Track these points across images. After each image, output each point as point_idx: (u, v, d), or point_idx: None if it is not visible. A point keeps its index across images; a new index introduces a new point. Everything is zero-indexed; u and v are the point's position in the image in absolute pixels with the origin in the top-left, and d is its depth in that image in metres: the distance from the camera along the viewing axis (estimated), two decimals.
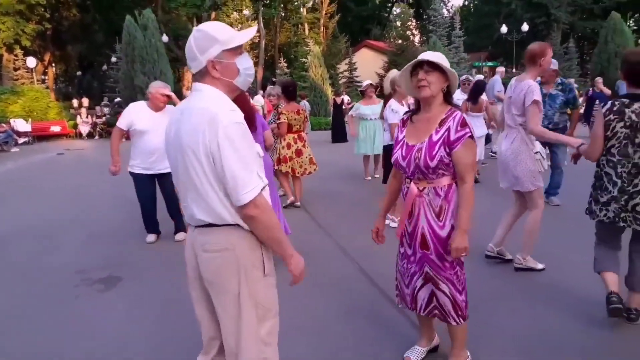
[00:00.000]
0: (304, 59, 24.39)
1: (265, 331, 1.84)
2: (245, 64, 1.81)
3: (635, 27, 29.91)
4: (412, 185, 2.39)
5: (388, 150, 5.18)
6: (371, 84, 8.10)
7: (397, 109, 5.02)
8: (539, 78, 4.79)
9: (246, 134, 1.69)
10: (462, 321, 2.43)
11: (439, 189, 2.34)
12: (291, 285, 1.87)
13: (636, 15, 35.53)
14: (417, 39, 36.97)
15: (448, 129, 2.28)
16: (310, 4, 37.76)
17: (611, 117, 2.79)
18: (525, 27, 24.62)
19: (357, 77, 29.41)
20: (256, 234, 1.76)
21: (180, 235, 4.99)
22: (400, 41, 31.93)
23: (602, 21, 28.57)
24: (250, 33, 1.85)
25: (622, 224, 2.84)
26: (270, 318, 1.86)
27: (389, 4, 47.63)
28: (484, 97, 7.56)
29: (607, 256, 3.05)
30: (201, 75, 1.76)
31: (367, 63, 30.18)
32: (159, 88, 4.69)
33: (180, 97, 29.43)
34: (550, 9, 26.25)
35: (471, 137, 2.26)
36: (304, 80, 23.21)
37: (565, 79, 6.24)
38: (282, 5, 34.93)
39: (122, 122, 4.71)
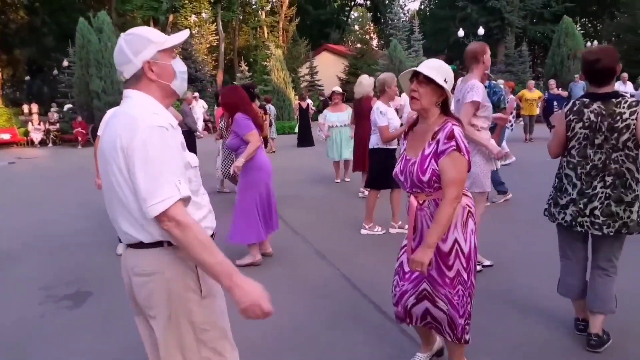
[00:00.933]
0: (264, 63, 24.20)
1: (208, 352, 1.70)
2: (181, 67, 1.73)
3: (582, 31, 31.27)
4: (411, 199, 2.32)
5: (373, 154, 5.13)
6: (335, 91, 8.10)
7: (385, 111, 4.90)
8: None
9: (168, 139, 1.56)
10: (457, 343, 2.33)
11: (440, 201, 2.23)
12: (242, 318, 1.58)
13: (582, 20, 37.25)
14: (375, 42, 37.45)
15: (438, 142, 2.22)
16: (268, 7, 37.58)
17: (571, 117, 2.68)
18: (481, 31, 25.26)
19: (318, 80, 29.44)
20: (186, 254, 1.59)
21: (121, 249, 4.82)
22: (359, 45, 32.18)
23: (552, 25, 29.83)
24: (183, 35, 1.74)
25: (579, 228, 2.68)
26: (215, 339, 1.72)
27: (347, 8, 48.03)
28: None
29: (571, 278, 2.87)
30: (136, 80, 1.66)
31: (328, 67, 30.25)
32: None
33: None
34: (503, 13, 27.14)
35: (458, 150, 2.16)
36: (266, 84, 23.04)
37: (494, 81, 6.42)
38: (240, 8, 34.62)
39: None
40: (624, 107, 2.55)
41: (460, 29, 25.92)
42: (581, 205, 2.65)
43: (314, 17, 41.47)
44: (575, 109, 2.68)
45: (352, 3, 48.25)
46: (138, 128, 1.53)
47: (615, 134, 2.55)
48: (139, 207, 1.54)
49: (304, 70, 30.01)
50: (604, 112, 2.58)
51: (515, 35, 28.32)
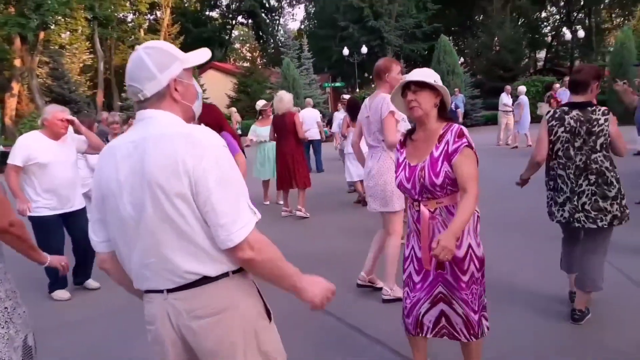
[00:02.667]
0: None
1: None
2: (198, 87, 1.58)
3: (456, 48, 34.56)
4: (423, 209, 2.28)
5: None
6: (265, 104, 7.87)
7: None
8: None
9: (232, 159, 1.46)
10: (474, 339, 2.35)
11: (452, 207, 2.26)
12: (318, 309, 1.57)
13: (449, 38, 41.06)
14: (258, 60, 37.58)
15: (447, 143, 2.25)
16: (146, 25, 35.94)
17: (553, 122, 3.02)
18: (364, 49, 26.66)
19: (206, 98, 28.69)
20: (259, 276, 1.48)
21: (94, 283, 4.45)
22: (245, 63, 32.01)
23: (423, 43, 32.46)
24: (204, 54, 1.55)
25: (576, 224, 2.99)
26: None
27: (229, 27, 47.73)
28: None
29: (570, 257, 3.31)
30: (158, 99, 1.45)
31: (216, 85, 29.62)
32: (56, 112, 4.01)
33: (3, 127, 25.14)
34: (383, 32, 28.91)
35: (469, 146, 2.22)
36: None
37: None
38: (117, 25, 32.63)
39: (16, 158, 3.90)
40: (598, 114, 2.93)
41: (345, 48, 27.11)
42: (575, 203, 3.00)
43: (195, 35, 40.52)
44: (557, 115, 3.04)
45: (234, 22, 48.07)
46: (205, 147, 1.36)
47: (593, 137, 2.93)
48: (208, 236, 1.37)
49: None
50: (582, 119, 2.95)
51: (394, 53, 30.27)
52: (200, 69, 32.77)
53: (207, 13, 46.22)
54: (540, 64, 38.93)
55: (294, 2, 48.05)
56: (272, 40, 45.50)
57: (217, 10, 47.02)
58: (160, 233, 1.37)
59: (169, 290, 1.42)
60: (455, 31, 40.87)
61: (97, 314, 3.90)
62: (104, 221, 1.49)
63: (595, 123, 2.92)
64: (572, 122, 2.95)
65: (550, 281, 3.70)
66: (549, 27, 39.71)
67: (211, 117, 4.03)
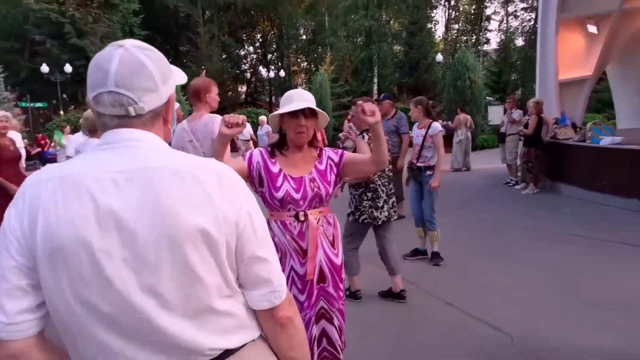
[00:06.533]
0: None
1: None
2: None
3: None
4: (312, 219, 2.31)
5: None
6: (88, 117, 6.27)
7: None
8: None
9: None
10: (343, 349, 2.46)
11: (329, 217, 2.44)
12: None
13: None
14: None
15: (329, 157, 2.44)
16: None
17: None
18: (68, 68, 23.90)
19: None
20: (280, 354, 1.22)
21: None
22: None
23: None
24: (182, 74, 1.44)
25: (392, 219, 4.16)
26: None
27: None
28: None
29: (355, 260, 4.16)
30: (152, 117, 1.12)
31: None
32: None
33: None
34: (88, 52, 26.48)
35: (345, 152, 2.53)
36: None
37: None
38: None
39: None
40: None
41: (45, 65, 23.80)
42: (390, 204, 4.16)
43: None
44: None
45: None
46: (240, 187, 1.14)
47: None
48: (240, 297, 1.14)
49: None
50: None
51: None
52: None
53: None
54: (242, 97, 42.46)
55: None
56: None
57: None
58: (177, 298, 1.03)
59: None
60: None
61: None
62: (36, 287, 1.01)
63: None
64: None
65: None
66: (247, 65, 43.75)
67: None
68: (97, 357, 1.02)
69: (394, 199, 4.25)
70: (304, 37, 41.12)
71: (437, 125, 5.28)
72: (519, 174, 10.27)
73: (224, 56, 38.01)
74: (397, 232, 4.21)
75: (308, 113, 2.32)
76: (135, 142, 1.08)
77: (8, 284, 0.99)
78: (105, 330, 1.00)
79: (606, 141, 8.07)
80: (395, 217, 4.32)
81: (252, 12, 38.88)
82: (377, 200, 4.05)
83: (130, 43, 1.10)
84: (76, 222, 0.98)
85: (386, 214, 4.10)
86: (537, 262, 5.20)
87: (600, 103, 20.99)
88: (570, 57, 10.70)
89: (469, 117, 13.74)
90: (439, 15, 40.98)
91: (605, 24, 10.11)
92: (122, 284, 0.98)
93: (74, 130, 12.13)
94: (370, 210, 4.04)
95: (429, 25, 33.59)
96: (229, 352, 1.10)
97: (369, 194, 4.03)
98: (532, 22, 33.96)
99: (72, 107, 26.68)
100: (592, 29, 10.30)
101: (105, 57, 1.07)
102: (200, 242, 1.02)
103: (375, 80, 29.12)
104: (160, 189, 1.02)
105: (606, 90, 15.48)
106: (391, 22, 35.31)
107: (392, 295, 4.24)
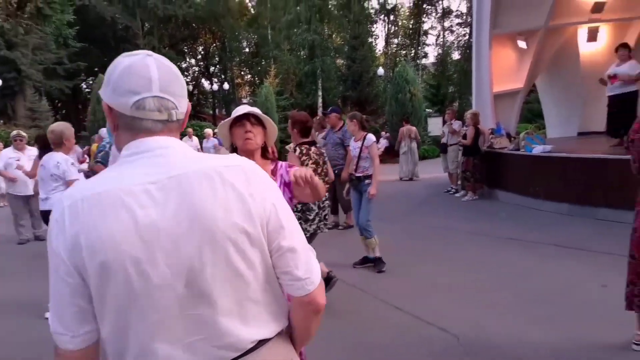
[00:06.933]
0: None
1: None
2: None
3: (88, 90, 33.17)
4: None
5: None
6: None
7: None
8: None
9: None
10: None
11: None
12: None
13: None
14: None
15: (281, 175, 2.47)
16: None
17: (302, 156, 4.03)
18: None
19: None
20: (300, 334, 1.30)
21: None
22: None
23: (65, 81, 30.02)
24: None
25: (319, 231, 4.23)
26: None
27: None
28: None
29: None
30: (178, 124, 1.18)
31: None
32: None
33: None
34: (19, 65, 25.14)
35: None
36: None
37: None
38: None
39: None
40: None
41: None
42: (321, 216, 4.27)
43: None
44: (304, 151, 4.24)
45: None
46: (264, 179, 1.20)
47: None
48: (272, 291, 1.19)
49: None
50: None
51: (36, 89, 26.83)
52: None
53: None
54: None
55: None
56: None
57: None
58: (222, 297, 1.08)
59: None
60: (101, 71, 39.43)
61: None
62: (86, 308, 1.08)
63: None
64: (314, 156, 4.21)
65: None
66: (190, 77, 43.06)
67: None
68: (123, 355, 1.07)
69: (327, 211, 4.37)
70: (247, 49, 41.04)
71: (371, 137, 5.51)
72: (459, 182, 10.71)
73: None
74: (346, 241, 4.32)
75: (254, 120, 2.37)
76: (164, 149, 1.12)
77: (72, 306, 1.07)
78: (152, 338, 1.05)
79: (538, 150, 8.59)
80: (325, 230, 4.42)
81: (194, 25, 38.37)
82: (308, 213, 4.12)
83: (157, 56, 1.15)
84: (117, 238, 1.01)
85: (315, 226, 4.19)
86: (478, 264, 5.47)
87: (532, 113, 22.29)
88: (503, 70, 11.36)
89: (413, 128, 14.32)
90: (379, 29, 42.05)
91: (533, 39, 10.82)
92: (171, 290, 1.04)
93: (5, 146, 11.48)
94: (299, 222, 4.08)
95: (370, 40, 34.47)
96: (262, 342, 1.15)
97: (299, 206, 4.07)
98: (467, 37, 35.54)
99: (1, 122, 25.17)
100: (522, 44, 10.99)
101: (140, 64, 1.11)
102: (239, 239, 1.08)
103: (320, 93, 29.46)
104: (192, 193, 1.06)
105: (536, 101, 16.51)
106: (333, 36, 35.90)
107: None
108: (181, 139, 1.24)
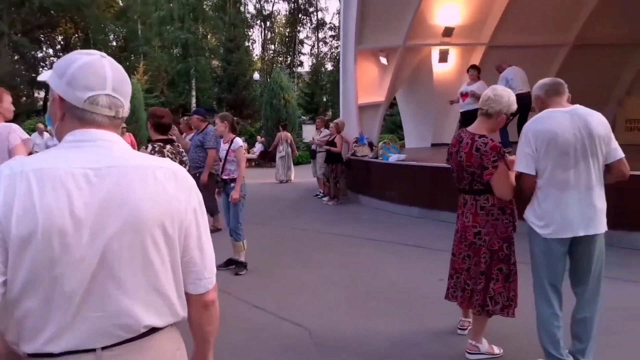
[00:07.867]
0: None
1: None
2: None
3: None
4: None
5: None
6: None
7: None
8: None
9: None
10: None
11: None
12: None
13: None
14: None
15: None
16: None
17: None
18: None
19: None
20: (199, 329, 1.42)
21: None
22: None
23: None
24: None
25: None
26: None
27: None
28: None
29: None
30: (119, 123, 1.29)
31: None
32: None
33: None
34: None
35: None
36: None
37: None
38: None
39: None
40: None
41: None
42: None
43: None
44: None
45: None
46: (190, 186, 1.32)
47: None
48: (174, 284, 1.29)
49: None
50: None
51: None
52: None
53: None
54: (39, 104, 37.80)
55: None
56: None
57: None
58: (130, 281, 1.18)
59: (105, 347, 1.18)
60: None
61: None
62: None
63: None
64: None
65: None
66: (46, 68, 39.17)
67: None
68: (45, 327, 1.12)
69: None
70: (114, 43, 38.53)
71: (238, 141, 5.57)
72: (328, 187, 11.26)
73: (16, 57, 33.48)
74: (216, 246, 4.32)
75: None
76: (107, 142, 1.22)
77: None
78: (62, 305, 1.12)
79: (393, 158, 9.41)
80: None
81: (52, 12, 35.01)
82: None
83: (105, 55, 1.26)
84: (51, 210, 1.09)
85: None
86: (338, 263, 5.88)
87: (395, 125, 24.12)
88: (367, 83, 12.19)
89: (289, 134, 15.28)
90: (256, 34, 42.30)
91: (393, 56, 11.78)
92: (88, 264, 1.13)
93: None
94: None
95: (247, 44, 34.54)
96: (154, 329, 1.24)
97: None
98: (339, 49, 37.29)
99: None
100: (383, 60, 11.90)
101: (97, 64, 1.22)
102: (158, 233, 1.20)
103: (194, 93, 28.79)
104: (126, 184, 1.17)
105: (398, 114, 17.90)
106: (208, 36, 35.30)
107: None
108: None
